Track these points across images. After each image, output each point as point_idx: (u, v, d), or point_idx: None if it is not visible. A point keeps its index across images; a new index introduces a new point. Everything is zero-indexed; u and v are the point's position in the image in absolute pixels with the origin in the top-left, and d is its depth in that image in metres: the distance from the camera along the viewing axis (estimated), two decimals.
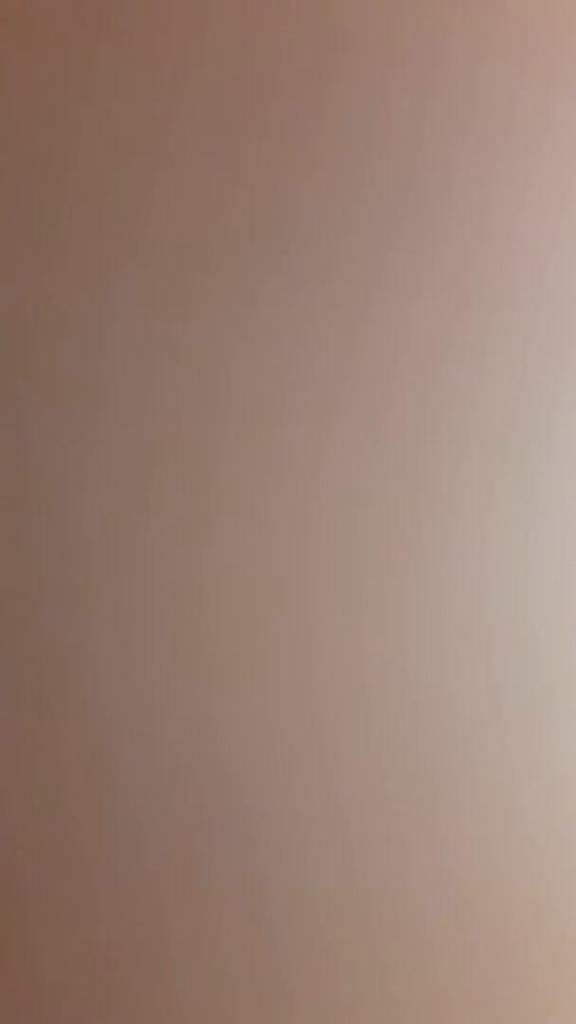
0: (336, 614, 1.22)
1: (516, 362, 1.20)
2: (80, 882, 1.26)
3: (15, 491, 1.27)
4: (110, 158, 1.25)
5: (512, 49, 1.21)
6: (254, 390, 1.24)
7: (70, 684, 1.25)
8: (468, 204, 1.21)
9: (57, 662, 1.26)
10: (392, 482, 1.22)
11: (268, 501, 1.23)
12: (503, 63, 1.21)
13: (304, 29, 1.23)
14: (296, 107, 1.23)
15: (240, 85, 1.24)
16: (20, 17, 1.27)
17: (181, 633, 1.24)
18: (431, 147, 1.21)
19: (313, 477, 1.23)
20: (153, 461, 1.25)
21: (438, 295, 1.21)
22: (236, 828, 1.23)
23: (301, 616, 1.23)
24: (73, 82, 1.26)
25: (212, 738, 1.23)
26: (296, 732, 1.23)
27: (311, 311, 1.23)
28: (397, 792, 1.21)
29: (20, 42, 1.27)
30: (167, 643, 1.24)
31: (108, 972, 1.25)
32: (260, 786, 1.23)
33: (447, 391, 1.21)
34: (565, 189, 1.20)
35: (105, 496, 1.25)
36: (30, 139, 1.27)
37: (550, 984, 1.19)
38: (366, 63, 1.22)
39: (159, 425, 1.25)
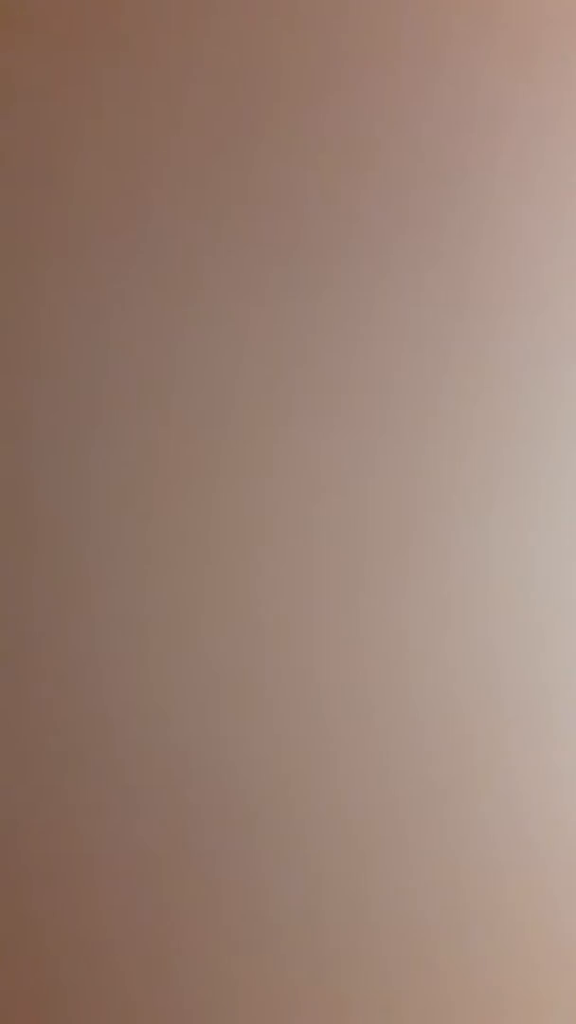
0: (337, 617, 1.22)
1: (517, 361, 1.20)
2: (82, 884, 1.26)
3: (16, 494, 1.26)
4: (111, 162, 1.25)
5: (513, 50, 1.20)
6: (255, 391, 1.24)
7: (72, 687, 1.25)
8: (469, 205, 1.21)
9: (58, 665, 1.25)
10: (393, 483, 1.22)
11: (269, 502, 1.23)
12: (504, 64, 1.21)
13: (304, 30, 1.23)
14: (296, 108, 1.23)
15: (241, 85, 1.24)
16: (23, 22, 1.27)
17: (182, 636, 1.24)
18: (432, 149, 1.21)
19: (314, 479, 1.23)
20: (153, 462, 1.25)
21: (439, 297, 1.21)
22: (238, 830, 1.23)
23: (302, 619, 1.22)
24: (74, 86, 1.26)
25: (213, 740, 1.23)
26: (298, 734, 1.23)
27: (312, 313, 1.23)
28: (398, 793, 1.21)
29: (23, 47, 1.27)
30: (168, 647, 1.24)
31: (110, 973, 1.25)
32: (261, 790, 1.23)
33: (448, 391, 1.21)
34: (567, 190, 1.20)
35: (106, 499, 1.25)
36: (32, 144, 1.27)
37: (551, 984, 1.19)
38: (366, 65, 1.22)
39: (160, 427, 1.25)
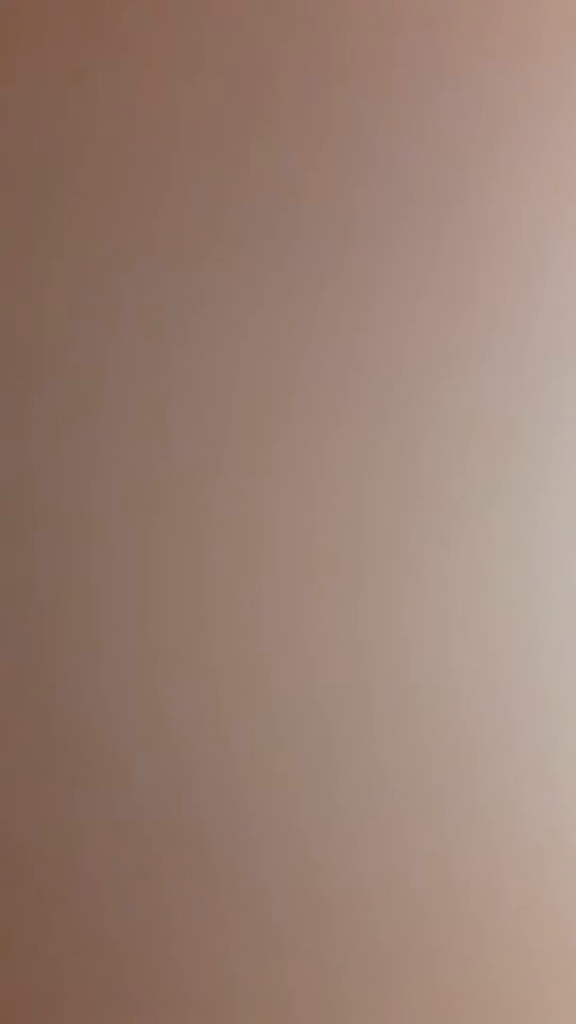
0: (339, 616, 1.22)
1: (518, 361, 1.20)
2: (82, 884, 1.26)
3: (16, 494, 1.27)
4: (111, 163, 1.25)
5: (512, 49, 1.20)
6: (256, 391, 1.24)
7: (74, 686, 1.25)
8: (469, 204, 1.21)
9: (59, 664, 1.26)
10: (394, 482, 1.22)
11: (270, 502, 1.23)
12: (504, 63, 1.21)
13: (304, 30, 1.23)
14: (297, 107, 1.23)
15: (241, 84, 1.24)
16: (24, 22, 1.27)
17: (183, 636, 1.24)
18: (432, 149, 1.21)
19: (314, 479, 1.23)
20: (154, 463, 1.25)
21: (439, 296, 1.21)
22: (238, 830, 1.23)
23: (304, 618, 1.23)
24: (75, 85, 1.26)
25: (215, 739, 1.24)
26: (298, 734, 1.23)
27: (313, 312, 1.23)
28: (399, 794, 1.22)
29: (23, 47, 1.27)
30: (169, 647, 1.24)
31: (110, 972, 1.25)
32: (261, 789, 1.23)
33: (449, 390, 1.21)
34: (567, 188, 1.20)
35: (107, 500, 1.25)
36: (33, 143, 1.27)
37: (550, 984, 1.20)
38: (367, 62, 1.22)
39: (160, 427, 1.25)
